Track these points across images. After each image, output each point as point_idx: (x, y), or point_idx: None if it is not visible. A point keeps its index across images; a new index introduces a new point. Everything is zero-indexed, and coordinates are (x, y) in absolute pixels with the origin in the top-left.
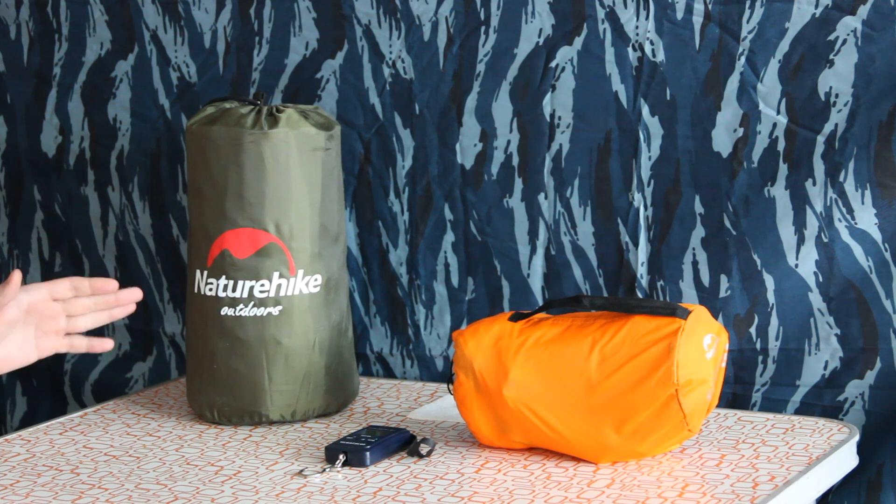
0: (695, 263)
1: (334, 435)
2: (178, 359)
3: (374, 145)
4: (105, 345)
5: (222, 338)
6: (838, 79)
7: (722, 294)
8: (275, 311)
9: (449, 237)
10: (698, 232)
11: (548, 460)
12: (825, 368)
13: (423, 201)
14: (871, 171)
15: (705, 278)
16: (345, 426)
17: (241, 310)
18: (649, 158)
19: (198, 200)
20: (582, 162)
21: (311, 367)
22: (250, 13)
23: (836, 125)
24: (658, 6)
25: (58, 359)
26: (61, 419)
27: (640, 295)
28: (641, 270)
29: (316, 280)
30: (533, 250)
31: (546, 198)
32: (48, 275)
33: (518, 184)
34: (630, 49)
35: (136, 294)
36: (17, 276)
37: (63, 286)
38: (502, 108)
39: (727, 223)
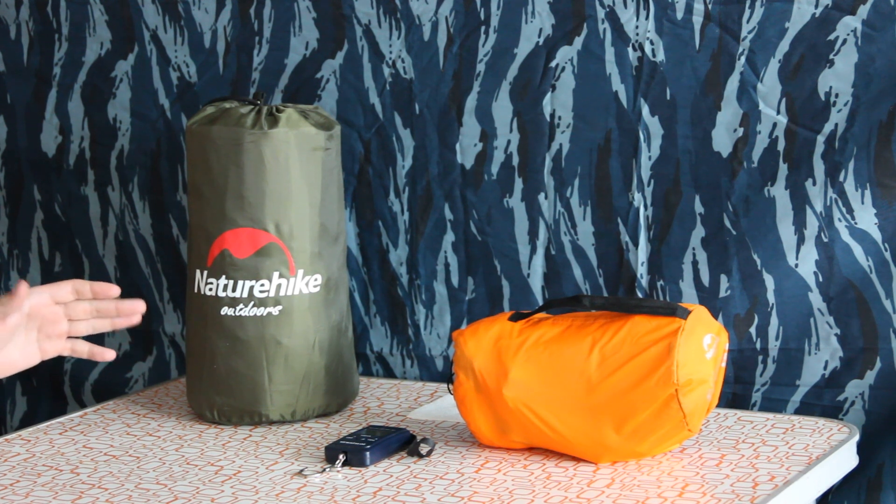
0: (695, 263)
1: (334, 435)
2: (178, 359)
3: (374, 145)
4: (106, 354)
5: (222, 338)
6: (838, 79)
7: (722, 294)
8: (275, 310)
9: (449, 237)
10: (698, 232)
11: (548, 460)
12: (825, 368)
13: (423, 201)
14: (871, 171)
15: (705, 278)
16: (345, 426)
17: (241, 310)
18: (649, 158)
19: (198, 200)
20: (582, 162)
21: (311, 367)
22: (250, 13)
23: (836, 125)
24: (658, 6)
25: (58, 359)
26: (61, 419)
27: (640, 295)
28: (641, 270)
29: (316, 280)
30: (533, 250)
31: (546, 198)
32: (48, 274)
33: (518, 184)
34: (630, 49)
35: (138, 306)
36: (23, 288)
37: (65, 289)
38: (502, 108)
39: (727, 223)
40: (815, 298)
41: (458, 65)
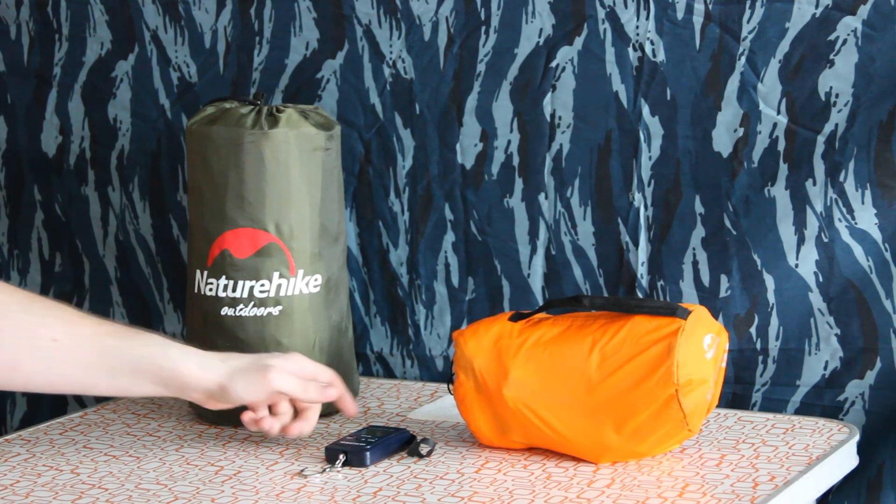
0: (695, 263)
1: (334, 435)
2: None
3: (374, 145)
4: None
5: (222, 338)
6: (838, 79)
7: (722, 294)
8: (275, 311)
9: (449, 237)
10: (698, 232)
11: (548, 460)
12: (825, 368)
13: (423, 201)
14: (872, 171)
15: (705, 278)
16: (345, 426)
17: (241, 310)
18: (649, 158)
19: (198, 200)
20: (582, 162)
21: None
22: (250, 13)
23: (837, 125)
24: (658, 6)
25: None
26: (61, 419)
27: (640, 295)
28: (641, 270)
29: (316, 280)
30: (533, 250)
31: (546, 198)
32: (48, 274)
33: (518, 184)
34: (630, 49)
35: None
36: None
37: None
38: (502, 108)
39: (727, 223)
40: (816, 298)
41: (459, 65)
